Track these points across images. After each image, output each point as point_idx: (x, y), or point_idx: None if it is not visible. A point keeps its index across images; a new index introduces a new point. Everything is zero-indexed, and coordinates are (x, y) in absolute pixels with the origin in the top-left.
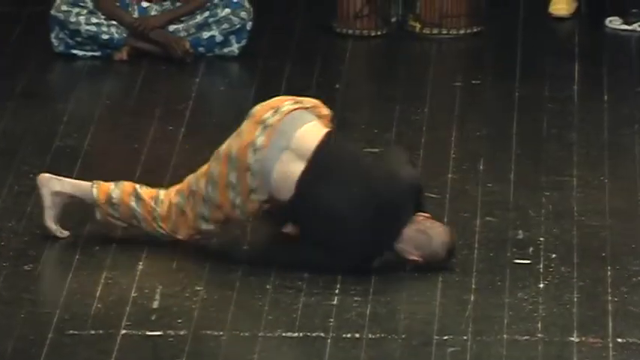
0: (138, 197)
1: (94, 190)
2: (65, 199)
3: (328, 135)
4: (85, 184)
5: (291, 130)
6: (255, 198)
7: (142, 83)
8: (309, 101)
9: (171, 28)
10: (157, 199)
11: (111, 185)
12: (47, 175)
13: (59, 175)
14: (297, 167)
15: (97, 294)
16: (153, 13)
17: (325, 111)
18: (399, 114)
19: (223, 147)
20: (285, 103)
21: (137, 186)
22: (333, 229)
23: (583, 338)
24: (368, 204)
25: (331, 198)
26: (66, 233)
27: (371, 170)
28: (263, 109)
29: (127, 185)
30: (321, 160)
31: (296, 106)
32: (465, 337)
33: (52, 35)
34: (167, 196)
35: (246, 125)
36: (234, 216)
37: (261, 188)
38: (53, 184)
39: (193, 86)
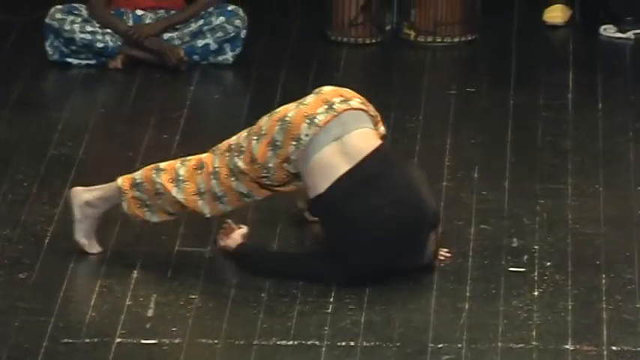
0: (159, 168)
1: (119, 180)
2: (95, 212)
3: (380, 147)
4: (110, 184)
5: (351, 126)
6: (287, 168)
7: (137, 91)
8: (374, 111)
9: (166, 36)
10: (183, 161)
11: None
12: (78, 187)
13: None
14: (341, 164)
15: (92, 302)
16: (147, 21)
17: (382, 128)
18: (393, 121)
19: (280, 109)
20: (355, 99)
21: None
22: (355, 237)
23: (577, 346)
24: (393, 226)
25: (362, 210)
26: (97, 249)
27: (403, 195)
28: (333, 93)
29: (149, 166)
30: (366, 169)
31: (363, 107)
32: (459, 345)
33: (47, 43)
34: (196, 156)
35: (311, 99)
36: (261, 179)
37: (297, 163)
38: (82, 196)
39: (188, 94)
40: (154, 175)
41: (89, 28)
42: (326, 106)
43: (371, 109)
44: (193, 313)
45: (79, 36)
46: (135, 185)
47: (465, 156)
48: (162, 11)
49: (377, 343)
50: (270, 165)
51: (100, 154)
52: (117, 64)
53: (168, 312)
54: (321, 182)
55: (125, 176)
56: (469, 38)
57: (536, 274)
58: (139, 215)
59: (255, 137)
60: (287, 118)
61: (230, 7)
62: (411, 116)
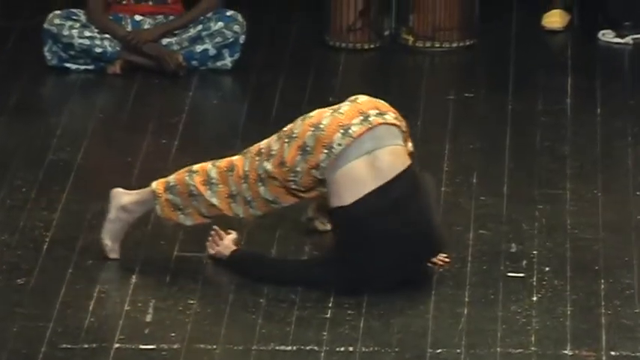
0: (191, 171)
1: (153, 184)
2: (129, 217)
3: (409, 168)
4: (146, 188)
5: (384, 141)
6: (315, 174)
7: (135, 97)
8: (406, 126)
9: (165, 41)
10: (214, 163)
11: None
12: (119, 189)
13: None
14: (369, 179)
15: (91, 308)
16: (146, 26)
17: (410, 145)
18: None
19: (314, 113)
20: (390, 112)
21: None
22: (368, 251)
23: (576, 351)
24: (404, 246)
25: (382, 228)
26: (116, 255)
27: (420, 220)
28: (369, 104)
29: (182, 169)
30: (394, 190)
31: (396, 122)
32: (458, 351)
33: (45, 49)
34: (227, 159)
35: (346, 107)
36: (288, 182)
37: (326, 170)
38: (121, 199)
39: (186, 100)
40: (187, 178)
41: (88, 34)
42: (361, 117)
43: (403, 124)
44: (192, 318)
45: (77, 41)
46: (168, 188)
47: (464, 161)
48: (160, 16)
49: (376, 349)
50: (298, 169)
51: (98, 160)
52: (115, 69)
53: (166, 317)
54: (347, 194)
55: (159, 180)
56: (467, 43)
57: (534, 279)
58: (172, 218)
59: (286, 140)
60: (321, 126)
61: (229, 13)
62: (410, 121)
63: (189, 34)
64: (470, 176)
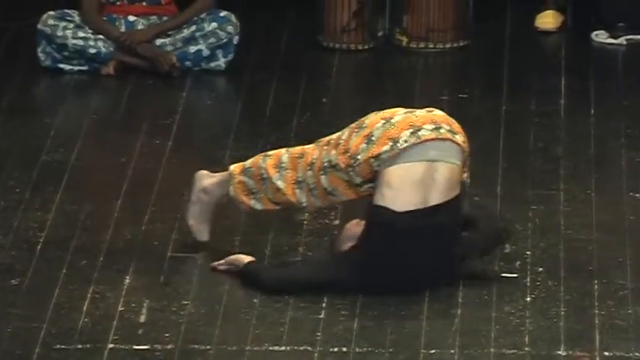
0: (266, 155)
1: (232, 166)
2: (209, 199)
3: (458, 197)
4: (225, 172)
5: (448, 157)
6: (373, 164)
7: (129, 97)
8: (468, 153)
9: (158, 42)
10: (289, 149)
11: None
12: (203, 171)
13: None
14: (420, 188)
15: (84, 308)
16: (140, 27)
17: (466, 175)
18: None
19: (390, 110)
20: (461, 134)
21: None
22: (390, 260)
23: (570, 352)
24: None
25: (414, 247)
26: (205, 237)
27: (445, 252)
28: (444, 119)
29: (260, 154)
30: (439, 216)
31: (464, 146)
32: (452, 351)
33: (39, 49)
34: (301, 147)
35: (422, 113)
36: (348, 170)
37: (384, 164)
38: (203, 181)
39: (180, 100)
40: (261, 161)
41: (82, 34)
42: (433, 126)
43: (467, 151)
44: (186, 319)
45: (71, 42)
46: (244, 171)
47: None
48: (154, 17)
49: (369, 349)
50: (359, 157)
51: (92, 160)
52: (109, 70)
53: (160, 318)
54: (395, 195)
55: (238, 163)
56: (461, 44)
57: (528, 280)
58: (244, 201)
59: (356, 130)
60: (392, 120)
61: (222, 14)
62: None
63: (183, 34)
64: None
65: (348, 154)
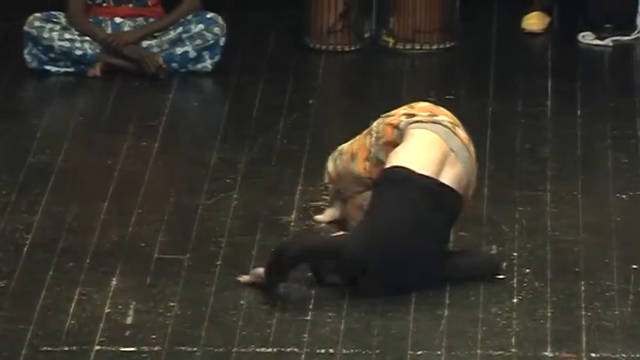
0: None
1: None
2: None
3: (457, 197)
4: None
5: (459, 153)
6: (395, 136)
7: (116, 99)
8: (475, 168)
9: (145, 43)
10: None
11: None
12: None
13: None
14: (432, 158)
15: (71, 310)
16: (126, 28)
17: (470, 193)
18: None
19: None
20: (471, 145)
21: None
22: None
23: (557, 353)
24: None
25: (411, 211)
26: (329, 218)
27: (434, 238)
28: (451, 120)
29: None
30: (444, 196)
31: (473, 156)
32: (438, 353)
33: (25, 51)
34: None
35: (441, 119)
36: (372, 146)
37: (403, 131)
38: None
39: (167, 102)
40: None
41: (68, 36)
42: (450, 125)
43: (475, 166)
44: (172, 320)
45: (57, 44)
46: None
47: None
48: (140, 19)
49: (356, 351)
50: (380, 128)
51: (78, 162)
52: (96, 71)
53: (147, 320)
54: (405, 155)
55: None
56: (448, 45)
57: (515, 281)
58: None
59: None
60: (414, 107)
61: (209, 15)
62: None
63: (170, 36)
64: None
65: (370, 129)
